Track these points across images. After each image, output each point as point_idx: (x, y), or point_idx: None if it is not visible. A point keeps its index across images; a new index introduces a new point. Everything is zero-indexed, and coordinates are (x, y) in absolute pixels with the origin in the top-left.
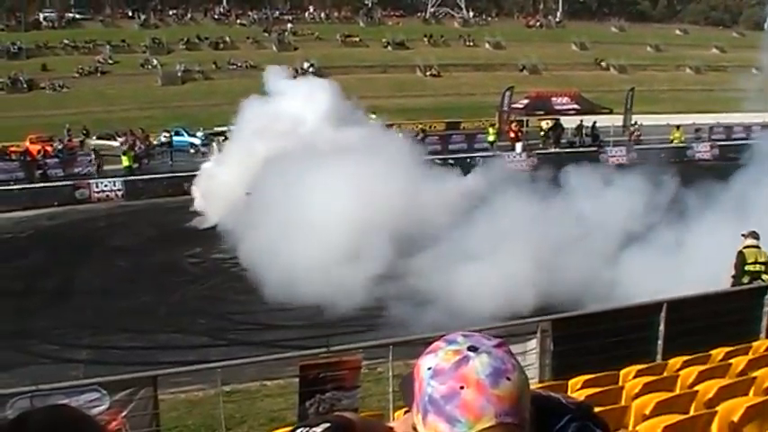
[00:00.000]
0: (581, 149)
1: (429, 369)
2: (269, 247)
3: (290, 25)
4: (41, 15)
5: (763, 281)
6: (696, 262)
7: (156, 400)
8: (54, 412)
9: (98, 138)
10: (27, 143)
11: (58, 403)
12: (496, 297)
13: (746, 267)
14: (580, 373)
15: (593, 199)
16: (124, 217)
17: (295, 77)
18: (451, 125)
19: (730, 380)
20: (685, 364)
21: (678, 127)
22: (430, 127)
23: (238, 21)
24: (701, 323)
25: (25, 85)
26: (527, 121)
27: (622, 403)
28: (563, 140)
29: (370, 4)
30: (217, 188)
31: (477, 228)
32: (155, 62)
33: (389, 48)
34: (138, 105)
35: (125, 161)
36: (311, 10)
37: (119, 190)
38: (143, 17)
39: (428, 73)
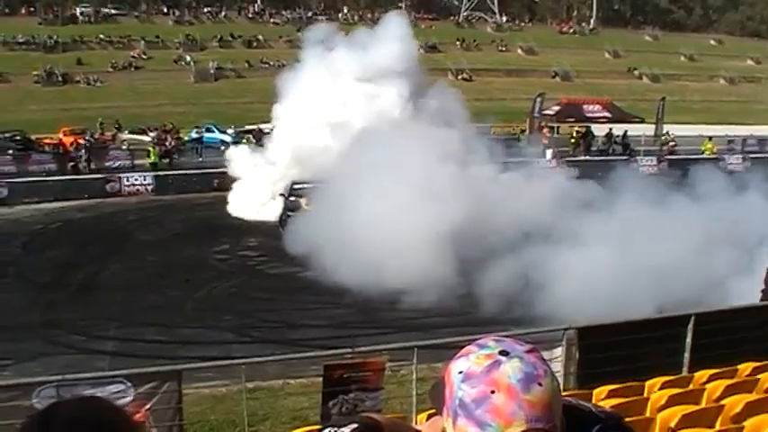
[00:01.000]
0: (611, 158)
1: (460, 373)
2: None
3: (322, 25)
4: (78, 10)
5: None
6: None
7: (180, 394)
8: (83, 404)
9: (130, 132)
10: (61, 136)
11: (88, 394)
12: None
13: None
14: (605, 382)
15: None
16: (153, 211)
17: None
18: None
19: (758, 395)
20: (712, 378)
21: (710, 138)
22: None
23: (272, 20)
24: (728, 337)
25: (60, 79)
26: (558, 127)
27: (647, 415)
28: (593, 148)
29: (403, 7)
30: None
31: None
32: (188, 59)
33: (422, 51)
34: (170, 101)
35: (151, 157)
36: (345, 11)
37: (149, 184)
38: (178, 14)
39: (459, 77)
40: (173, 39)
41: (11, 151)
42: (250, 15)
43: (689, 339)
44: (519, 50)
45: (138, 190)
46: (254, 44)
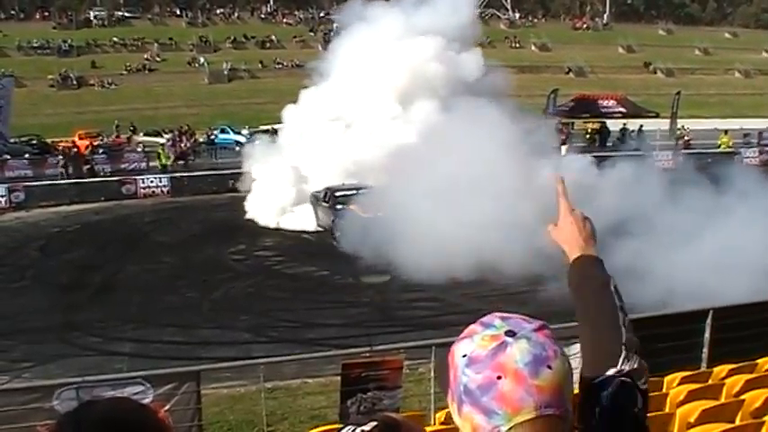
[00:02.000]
0: (627, 153)
1: (464, 356)
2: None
3: (335, 25)
4: (92, 14)
5: None
6: None
7: (199, 394)
8: (112, 404)
9: (145, 134)
10: (76, 139)
11: (116, 395)
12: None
13: None
14: None
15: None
16: (169, 213)
17: None
18: None
19: None
20: (731, 373)
21: (726, 132)
22: None
23: (284, 20)
24: (747, 331)
25: (75, 82)
26: (572, 123)
27: (666, 410)
28: (608, 143)
29: None
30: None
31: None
32: (202, 60)
33: None
34: (184, 103)
35: (161, 159)
36: None
37: (164, 186)
38: (190, 15)
39: None
40: (186, 41)
41: (27, 155)
42: (263, 16)
43: (707, 334)
44: (532, 47)
45: (153, 192)
46: (268, 45)
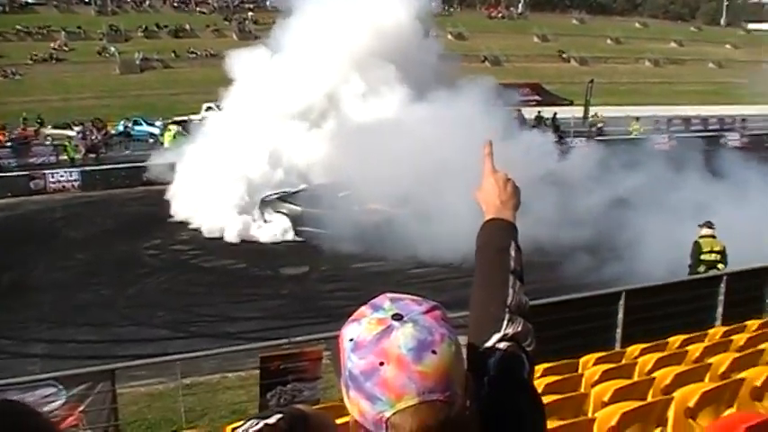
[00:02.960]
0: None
1: (351, 341)
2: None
3: (250, 13)
4: None
5: (718, 269)
6: None
7: (115, 393)
8: None
9: (53, 127)
10: None
11: (4, 399)
12: None
13: (702, 257)
14: (540, 361)
15: None
16: (81, 208)
17: None
18: None
19: (687, 366)
20: (643, 352)
21: (637, 119)
22: None
23: (198, 8)
24: (659, 312)
25: None
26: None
27: (582, 391)
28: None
29: None
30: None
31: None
32: (112, 50)
33: None
34: (95, 94)
35: (69, 152)
36: None
37: (75, 180)
38: (100, 3)
39: None
40: (95, 29)
41: None
42: (175, 4)
43: (620, 315)
44: (449, 36)
45: (63, 186)
46: (181, 34)
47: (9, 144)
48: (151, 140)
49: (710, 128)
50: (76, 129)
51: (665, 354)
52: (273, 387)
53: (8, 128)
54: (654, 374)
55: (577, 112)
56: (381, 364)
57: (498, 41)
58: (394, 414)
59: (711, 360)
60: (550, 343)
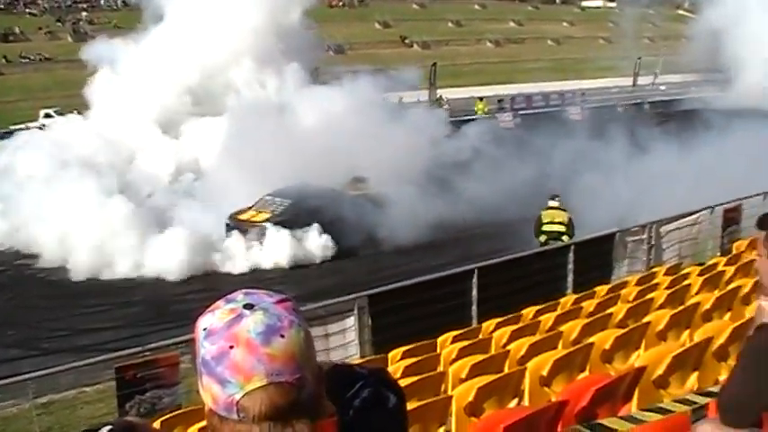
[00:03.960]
0: None
1: (204, 330)
2: None
3: (84, 14)
4: None
5: (562, 241)
6: None
7: None
8: None
9: None
10: None
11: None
12: None
13: (543, 227)
14: (400, 345)
15: None
16: None
17: None
18: None
19: (540, 336)
20: (499, 326)
21: (481, 99)
22: None
23: (27, 10)
24: (512, 286)
25: None
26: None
27: (440, 369)
28: None
29: None
30: None
31: None
32: None
33: None
34: None
35: None
36: None
37: None
38: None
39: None
40: None
41: None
42: (2, 6)
43: (474, 292)
44: None
45: None
46: (11, 37)
47: None
48: None
49: (552, 103)
50: None
51: (519, 326)
52: (132, 397)
53: None
54: (509, 347)
55: (422, 95)
56: (231, 347)
57: (341, 29)
58: (244, 396)
59: (563, 328)
60: (409, 325)
